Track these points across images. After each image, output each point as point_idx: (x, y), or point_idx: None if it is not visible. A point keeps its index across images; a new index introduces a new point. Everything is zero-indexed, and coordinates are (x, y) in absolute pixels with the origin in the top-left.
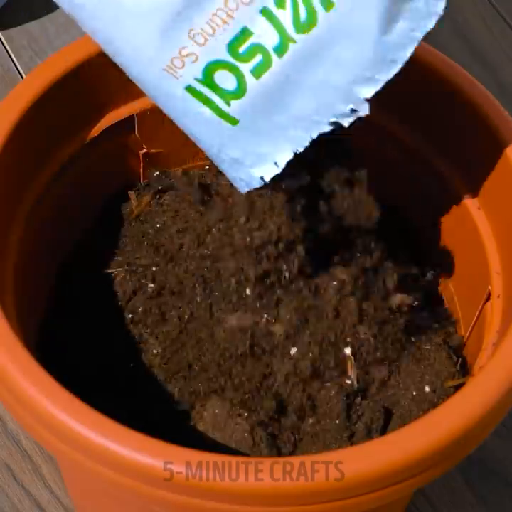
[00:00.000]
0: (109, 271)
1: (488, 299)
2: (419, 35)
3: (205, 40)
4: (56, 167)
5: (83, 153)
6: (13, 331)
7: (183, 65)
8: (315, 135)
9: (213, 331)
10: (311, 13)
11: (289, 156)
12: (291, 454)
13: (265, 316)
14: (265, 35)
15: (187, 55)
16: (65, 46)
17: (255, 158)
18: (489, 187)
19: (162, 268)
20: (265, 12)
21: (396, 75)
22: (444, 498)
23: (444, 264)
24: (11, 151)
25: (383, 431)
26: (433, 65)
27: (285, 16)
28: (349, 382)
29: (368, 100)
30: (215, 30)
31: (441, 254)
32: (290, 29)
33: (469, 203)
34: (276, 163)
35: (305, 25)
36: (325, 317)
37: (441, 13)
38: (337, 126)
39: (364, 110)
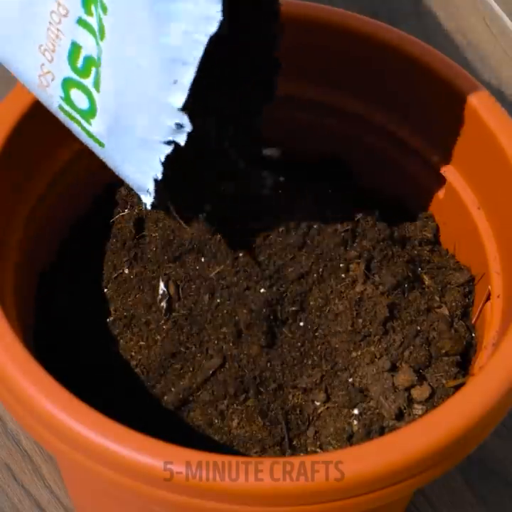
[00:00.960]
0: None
1: (488, 299)
2: (203, 38)
3: (52, 56)
4: (58, 166)
5: (85, 153)
6: (13, 331)
7: (48, 84)
8: (162, 158)
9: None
10: (99, 19)
11: (151, 184)
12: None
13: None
14: (89, 45)
15: (47, 73)
16: None
17: (133, 184)
18: (489, 187)
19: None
20: (81, 22)
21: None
22: (444, 498)
23: None
24: (12, 151)
25: (382, 431)
26: (432, 64)
27: (94, 24)
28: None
29: (183, 110)
30: (54, 46)
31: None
32: (98, 36)
33: (469, 203)
34: (148, 191)
35: (101, 32)
36: None
37: (219, 16)
38: (176, 145)
39: (186, 123)
